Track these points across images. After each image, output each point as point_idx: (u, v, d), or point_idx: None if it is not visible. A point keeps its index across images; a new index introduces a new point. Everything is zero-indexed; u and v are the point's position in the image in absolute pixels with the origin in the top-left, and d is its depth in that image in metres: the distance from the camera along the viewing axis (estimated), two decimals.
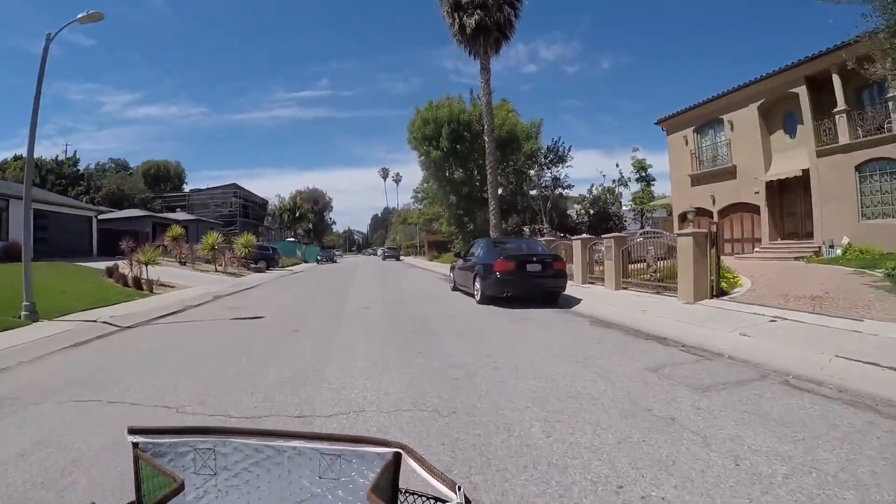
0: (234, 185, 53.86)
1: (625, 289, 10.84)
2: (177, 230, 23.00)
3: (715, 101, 20.10)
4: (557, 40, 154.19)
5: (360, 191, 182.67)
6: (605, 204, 29.32)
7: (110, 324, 7.96)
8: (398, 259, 48.22)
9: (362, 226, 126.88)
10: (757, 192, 18.31)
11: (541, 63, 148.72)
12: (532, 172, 29.82)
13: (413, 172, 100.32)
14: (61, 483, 2.53)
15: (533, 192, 29.81)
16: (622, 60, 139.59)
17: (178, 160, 60.06)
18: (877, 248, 13.47)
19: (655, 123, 23.85)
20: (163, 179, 53.42)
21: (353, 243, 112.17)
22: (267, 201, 64.18)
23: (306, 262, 42.73)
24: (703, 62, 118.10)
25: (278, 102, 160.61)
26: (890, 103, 13.79)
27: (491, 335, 6.72)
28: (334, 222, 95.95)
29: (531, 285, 9.89)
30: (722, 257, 9.62)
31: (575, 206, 31.19)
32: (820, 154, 15.84)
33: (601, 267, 12.19)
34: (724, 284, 8.87)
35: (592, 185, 30.40)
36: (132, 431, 0.78)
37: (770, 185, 17.90)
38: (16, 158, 43.20)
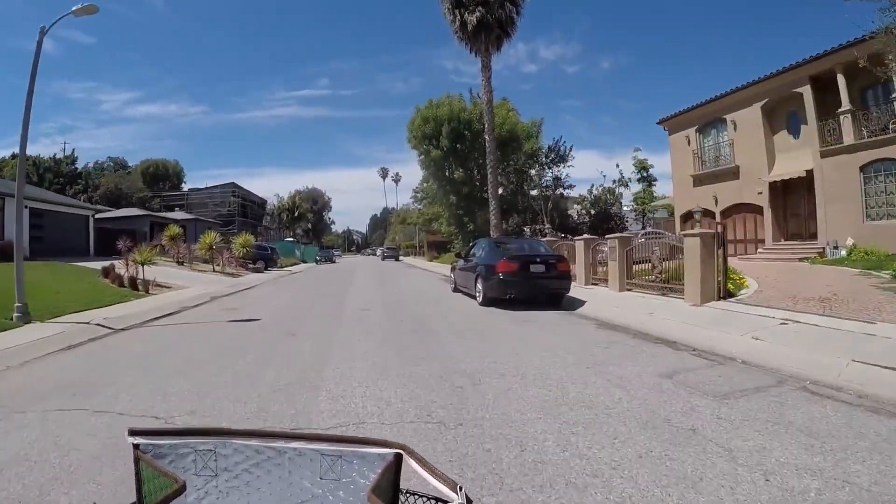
0: (233, 185, 53.59)
1: (629, 290, 10.66)
2: (174, 230, 22.81)
3: (718, 101, 19.93)
4: (557, 40, 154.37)
5: (359, 191, 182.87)
6: (606, 204, 29.17)
7: (104, 326, 7.77)
8: (397, 259, 48.06)
9: (361, 226, 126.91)
10: (760, 193, 18.15)
11: (541, 63, 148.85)
12: (533, 172, 29.66)
13: (412, 172, 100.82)
14: (40, 503, 2.34)
15: (534, 192, 29.65)
16: (622, 60, 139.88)
17: (177, 159, 60.02)
18: (882, 249, 13.32)
19: (657, 123, 23.69)
20: (161, 178, 53.12)
21: (352, 243, 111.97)
22: (266, 201, 63.93)
23: (305, 262, 42.51)
24: (703, 62, 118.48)
25: (278, 101, 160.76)
26: (895, 103, 13.65)
27: (495, 339, 6.54)
28: (333, 222, 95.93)
29: (535, 287, 9.71)
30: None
31: (575, 206, 31.04)
32: (824, 154, 15.68)
33: (604, 268, 12.02)
34: (730, 286, 8.70)
35: (593, 186, 30.29)
36: (133, 433, 0.77)
37: (773, 186, 17.74)
38: (14, 157, 42.77)
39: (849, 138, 14.95)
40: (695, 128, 21.49)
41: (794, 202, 17.70)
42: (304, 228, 70.67)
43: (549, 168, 29.52)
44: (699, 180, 21.14)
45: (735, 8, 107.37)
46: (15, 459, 2.81)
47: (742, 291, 8.97)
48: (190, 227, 31.98)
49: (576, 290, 10.88)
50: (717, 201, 20.10)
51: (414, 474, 0.70)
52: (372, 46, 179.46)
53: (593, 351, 5.67)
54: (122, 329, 7.76)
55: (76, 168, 47.05)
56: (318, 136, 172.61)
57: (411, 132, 28.38)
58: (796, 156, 16.97)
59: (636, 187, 30.22)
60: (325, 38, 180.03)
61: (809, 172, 16.18)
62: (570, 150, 29.37)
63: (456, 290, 12.93)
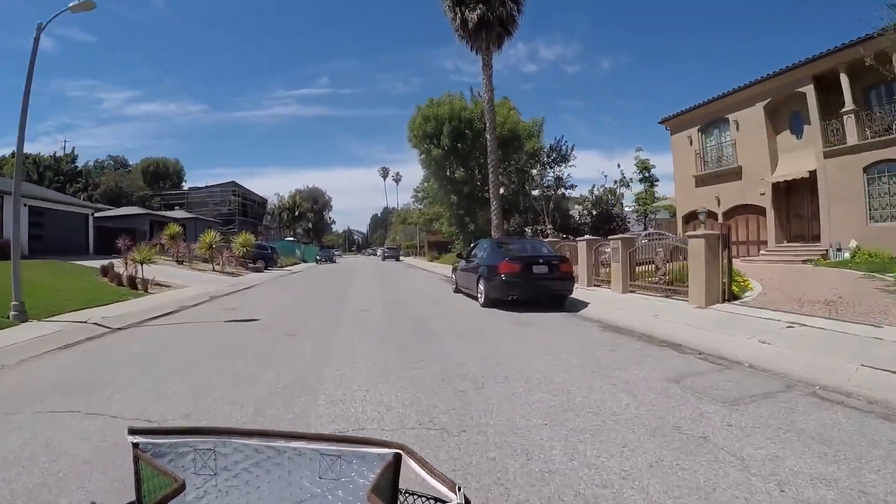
0: (233, 184, 53.49)
1: (632, 292, 10.57)
2: (174, 228, 22.73)
3: (720, 101, 19.80)
4: (557, 40, 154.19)
5: (359, 190, 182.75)
6: (608, 205, 29.03)
7: (101, 325, 7.68)
8: (398, 259, 47.95)
9: (362, 225, 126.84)
10: (763, 194, 18.03)
11: (541, 63, 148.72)
12: (534, 172, 29.52)
13: (413, 172, 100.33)
14: None
15: (535, 192, 29.50)
16: (622, 60, 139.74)
17: (178, 158, 59.64)
18: (886, 251, 13.22)
19: (659, 122, 23.54)
20: (162, 177, 53.04)
21: (353, 243, 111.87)
22: (266, 200, 63.84)
23: (305, 261, 42.43)
24: (703, 62, 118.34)
25: (278, 100, 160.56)
26: None
27: (497, 341, 6.44)
28: (334, 222, 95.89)
29: (537, 288, 9.61)
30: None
31: (577, 206, 30.89)
32: (827, 155, 15.57)
33: (607, 269, 11.92)
34: (734, 288, 8.61)
35: (594, 186, 30.12)
36: (132, 432, 0.77)
37: (776, 187, 17.62)
38: (13, 155, 42.85)
39: (852, 139, 14.84)
40: (697, 127, 21.35)
41: (797, 203, 17.57)
42: (305, 228, 70.55)
43: (551, 168, 29.38)
44: (701, 181, 21.02)
45: (735, 8, 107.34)
46: (4, 463, 2.73)
47: (746, 294, 8.87)
48: (190, 226, 31.90)
49: (578, 292, 10.78)
50: (719, 202, 19.98)
51: (413, 474, 0.70)
52: (372, 46, 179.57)
53: (598, 354, 5.58)
54: (120, 328, 7.67)
55: (76, 166, 47.00)
56: (318, 135, 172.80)
57: (412, 131, 28.26)
58: (799, 156, 16.85)
59: (638, 188, 30.10)
60: (325, 38, 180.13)
61: (812, 173, 16.06)
62: (572, 149, 29.17)
63: (457, 290, 12.83)
